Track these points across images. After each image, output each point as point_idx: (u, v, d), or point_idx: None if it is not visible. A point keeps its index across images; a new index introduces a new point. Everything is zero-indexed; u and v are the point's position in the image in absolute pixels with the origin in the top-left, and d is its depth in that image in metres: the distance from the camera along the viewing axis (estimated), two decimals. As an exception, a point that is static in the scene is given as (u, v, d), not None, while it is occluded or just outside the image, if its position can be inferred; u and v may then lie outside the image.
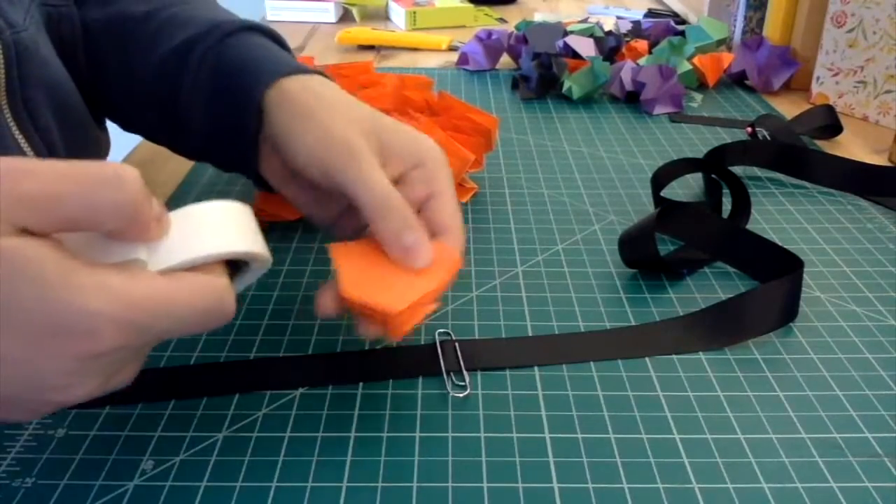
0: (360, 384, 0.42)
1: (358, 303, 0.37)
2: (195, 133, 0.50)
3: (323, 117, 0.43)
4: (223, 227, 0.33)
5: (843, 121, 0.75)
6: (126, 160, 0.71)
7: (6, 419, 0.30)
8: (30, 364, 0.28)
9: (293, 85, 0.45)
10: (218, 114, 0.48)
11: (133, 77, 0.53)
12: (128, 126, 0.58)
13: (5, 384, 0.28)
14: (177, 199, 0.63)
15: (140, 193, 0.29)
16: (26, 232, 0.27)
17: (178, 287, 0.30)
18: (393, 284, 0.38)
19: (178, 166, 0.69)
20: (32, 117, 0.49)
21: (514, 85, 0.91)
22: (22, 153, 0.48)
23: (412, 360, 0.44)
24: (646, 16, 1.21)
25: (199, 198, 0.63)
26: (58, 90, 0.52)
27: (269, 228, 0.59)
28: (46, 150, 0.50)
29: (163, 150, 0.77)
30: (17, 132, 0.48)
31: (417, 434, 0.39)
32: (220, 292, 0.32)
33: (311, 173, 0.43)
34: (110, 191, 0.28)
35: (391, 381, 0.43)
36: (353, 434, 0.39)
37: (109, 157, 0.66)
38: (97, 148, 0.60)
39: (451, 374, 0.43)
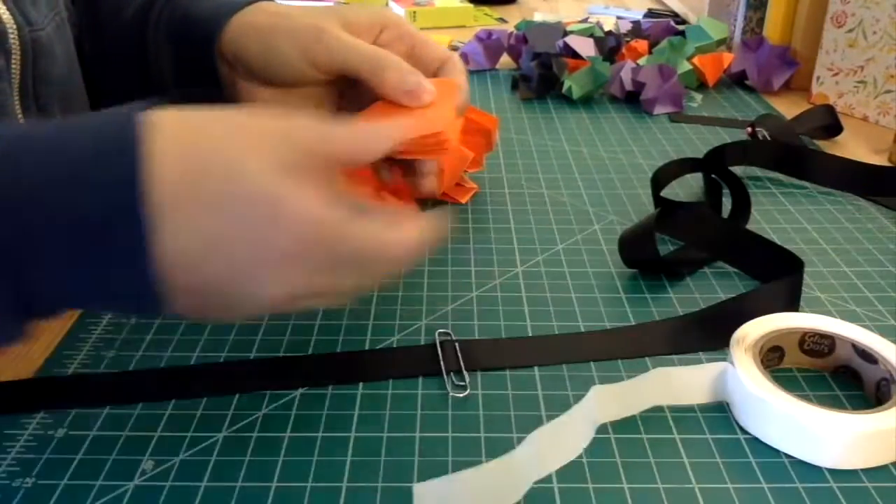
0: (360, 384, 0.42)
1: (406, 141, 0.40)
2: (170, 88, 0.52)
3: (285, 27, 0.46)
4: None
5: (843, 121, 0.75)
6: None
7: (218, 316, 0.34)
8: (238, 263, 0.31)
9: (248, 17, 0.48)
10: (185, 66, 0.51)
11: (104, 39, 0.54)
12: (103, 98, 0.58)
13: (224, 267, 0.31)
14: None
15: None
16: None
17: (377, 234, 0.33)
18: (420, 119, 0.43)
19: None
20: (42, 113, 0.49)
21: (514, 85, 0.91)
22: None
23: (412, 360, 0.44)
24: (646, 16, 1.21)
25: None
26: (69, 90, 0.53)
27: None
28: None
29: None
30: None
31: (417, 434, 0.39)
32: (411, 239, 0.34)
33: (303, 75, 0.46)
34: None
35: (391, 381, 0.43)
36: (353, 434, 0.39)
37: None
38: None
39: (451, 374, 0.43)
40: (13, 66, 0.47)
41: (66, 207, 0.29)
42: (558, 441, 0.37)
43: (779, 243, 0.52)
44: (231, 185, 0.30)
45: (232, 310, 0.33)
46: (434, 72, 0.47)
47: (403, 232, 0.34)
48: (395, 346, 0.46)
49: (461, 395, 0.42)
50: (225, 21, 0.48)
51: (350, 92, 0.49)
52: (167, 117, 0.31)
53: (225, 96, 0.51)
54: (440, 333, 0.46)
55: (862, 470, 0.37)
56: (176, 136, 0.31)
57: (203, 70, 0.50)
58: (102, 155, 0.30)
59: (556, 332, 0.47)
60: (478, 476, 0.34)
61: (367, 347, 0.45)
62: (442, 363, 0.44)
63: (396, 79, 0.43)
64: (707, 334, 0.46)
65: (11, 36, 0.46)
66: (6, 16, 0.47)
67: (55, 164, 0.30)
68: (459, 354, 0.44)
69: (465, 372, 0.43)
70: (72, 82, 0.54)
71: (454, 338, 0.46)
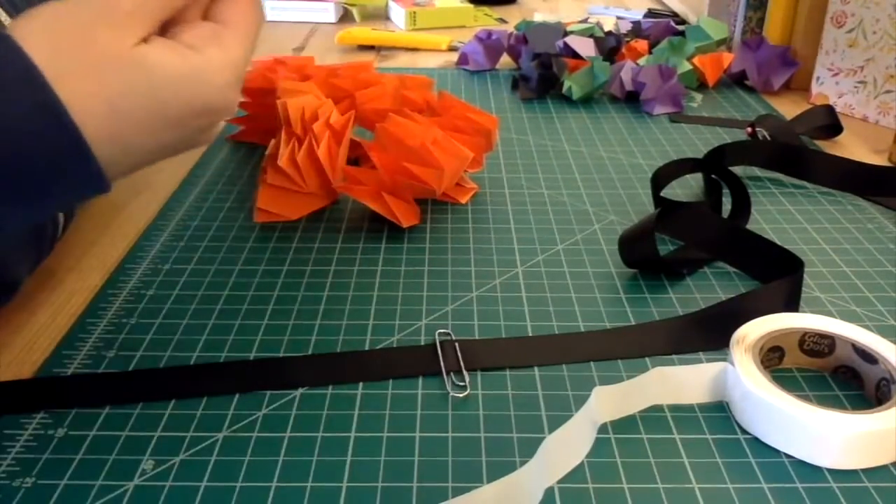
0: (360, 384, 0.42)
1: None
2: None
3: None
4: None
5: (843, 121, 0.75)
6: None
7: None
8: (183, 135, 0.34)
9: None
10: None
11: None
12: None
13: (169, 151, 0.35)
14: (176, 199, 0.63)
15: None
16: (140, 41, 0.32)
17: (246, 25, 0.36)
18: None
19: (178, 166, 0.69)
20: None
21: (514, 85, 0.91)
22: None
23: (412, 360, 0.44)
24: (646, 16, 1.21)
25: (199, 197, 0.63)
26: None
27: (269, 228, 0.59)
28: None
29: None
30: None
31: (417, 434, 0.39)
32: (255, 6, 0.37)
33: None
34: None
35: (391, 381, 0.43)
36: (353, 434, 0.39)
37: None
38: None
39: (451, 374, 0.43)
40: None
41: None
42: (566, 448, 0.37)
43: (779, 243, 0.52)
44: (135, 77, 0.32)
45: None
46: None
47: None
48: (395, 346, 0.46)
49: (461, 395, 0.42)
50: None
51: None
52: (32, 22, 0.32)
53: None
54: (440, 333, 0.46)
55: (862, 470, 0.37)
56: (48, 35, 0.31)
57: None
58: None
59: (556, 332, 0.47)
60: (492, 492, 0.34)
61: (367, 347, 0.45)
62: (442, 363, 0.44)
63: None
64: (707, 334, 0.46)
65: None
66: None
67: None
68: (459, 354, 0.44)
69: (465, 372, 0.43)
70: None
71: (454, 338, 0.46)
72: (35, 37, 0.31)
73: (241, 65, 0.35)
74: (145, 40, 0.33)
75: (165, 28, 0.35)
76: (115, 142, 0.32)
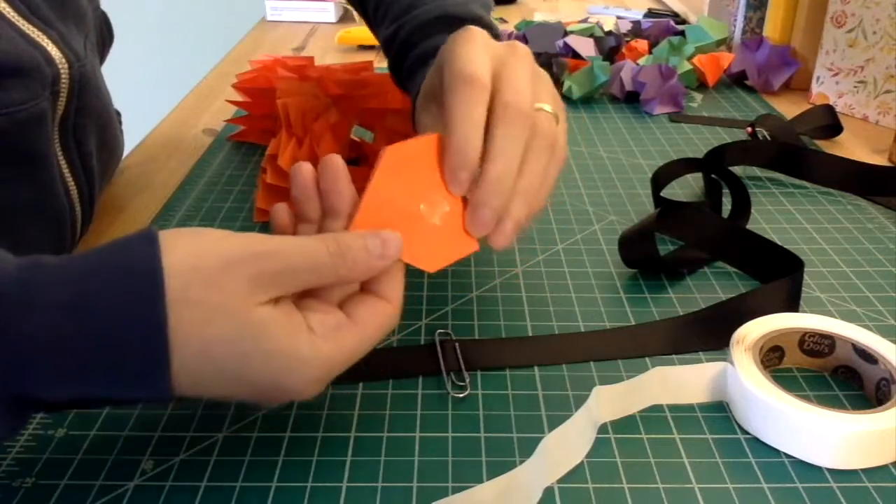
0: (360, 384, 0.42)
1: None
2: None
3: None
4: None
5: (843, 121, 0.75)
6: (127, 159, 0.71)
7: None
8: (253, 397, 0.33)
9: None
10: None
11: None
12: None
13: (233, 399, 0.35)
14: (177, 199, 0.63)
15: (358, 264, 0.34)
16: (268, 301, 0.32)
17: (372, 331, 0.35)
18: (418, 229, 0.38)
19: (179, 166, 0.69)
20: (79, 144, 0.50)
21: (514, 85, 0.90)
22: (63, 178, 0.49)
23: (412, 360, 0.44)
24: (646, 16, 1.21)
25: (199, 197, 0.63)
26: (102, 114, 0.54)
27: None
28: (84, 172, 0.51)
29: (163, 150, 0.77)
30: (62, 158, 0.49)
31: (417, 434, 0.39)
32: (393, 317, 0.36)
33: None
34: (333, 268, 0.33)
35: (391, 381, 0.43)
36: (353, 434, 0.39)
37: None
38: (117, 153, 0.63)
39: (451, 374, 0.43)
40: (59, 103, 0.47)
41: (81, 334, 0.29)
42: (566, 447, 0.37)
43: (779, 243, 0.52)
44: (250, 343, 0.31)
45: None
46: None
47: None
48: (395, 346, 0.46)
49: (461, 395, 0.42)
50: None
51: None
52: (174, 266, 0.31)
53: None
54: (440, 333, 0.46)
55: (862, 470, 0.37)
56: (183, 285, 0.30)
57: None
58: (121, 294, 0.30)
59: (556, 332, 0.47)
60: (492, 490, 0.34)
61: (367, 347, 0.45)
62: (442, 363, 0.44)
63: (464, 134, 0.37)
64: (707, 334, 0.46)
65: (63, 76, 0.47)
66: (57, 54, 0.46)
67: (73, 292, 0.30)
68: (459, 354, 0.44)
69: (465, 372, 0.43)
70: (106, 111, 0.55)
71: (454, 338, 0.46)
72: (178, 252, 0.31)
73: (343, 366, 0.34)
74: (276, 301, 0.32)
75: (304, 295, 0.34)
76: (191, 375, 0.31)
